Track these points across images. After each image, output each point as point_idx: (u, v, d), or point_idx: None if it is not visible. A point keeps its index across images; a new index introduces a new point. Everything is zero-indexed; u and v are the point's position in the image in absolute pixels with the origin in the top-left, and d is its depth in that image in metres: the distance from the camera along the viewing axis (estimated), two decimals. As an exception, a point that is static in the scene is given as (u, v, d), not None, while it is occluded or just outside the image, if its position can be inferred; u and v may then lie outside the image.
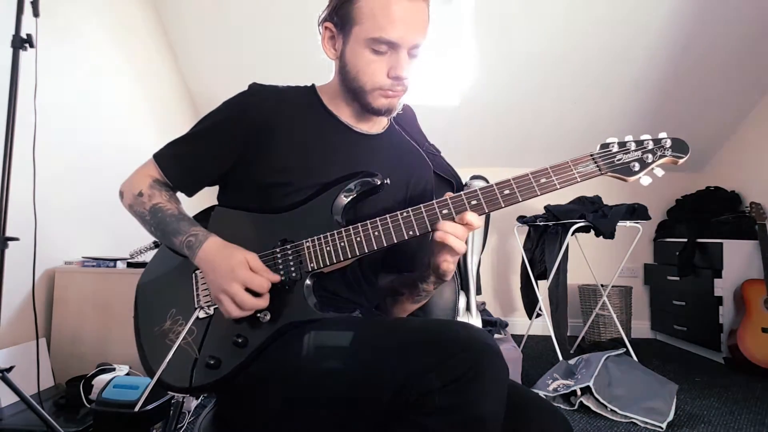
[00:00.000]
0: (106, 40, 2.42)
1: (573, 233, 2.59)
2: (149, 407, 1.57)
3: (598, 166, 0.78)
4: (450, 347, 0.63)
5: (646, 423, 1.87)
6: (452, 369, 0.61)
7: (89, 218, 2.21)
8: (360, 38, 0.85)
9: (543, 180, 0.78)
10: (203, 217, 0.91)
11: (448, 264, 0.83)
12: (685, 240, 3.04)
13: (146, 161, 0.95)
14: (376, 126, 0.99)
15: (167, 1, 2.78)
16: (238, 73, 3.05)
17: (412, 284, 0.93)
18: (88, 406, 1.72)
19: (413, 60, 0.88)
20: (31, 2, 1.52)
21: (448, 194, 0.79)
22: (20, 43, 1.51)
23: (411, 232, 0.79)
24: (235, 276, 0.76)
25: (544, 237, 2.84)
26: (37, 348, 1.71)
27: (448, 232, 0.77)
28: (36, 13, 1.53)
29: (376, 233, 0.80)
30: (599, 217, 2.58)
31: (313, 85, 0.99)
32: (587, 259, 3.16)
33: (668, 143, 0.79)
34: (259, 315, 0.79)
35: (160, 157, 0.93)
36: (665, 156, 0.79)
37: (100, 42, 2.38)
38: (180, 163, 0.93)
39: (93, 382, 1.76)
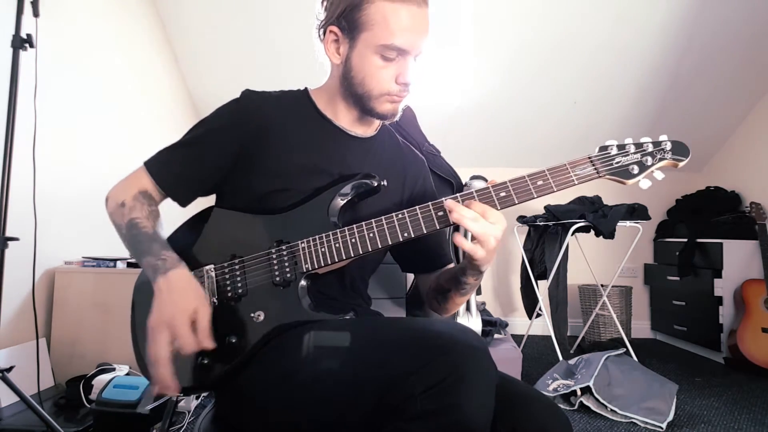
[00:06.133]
0: (106, 40, 2.42)
1: (573, 233, 2.59)
2: (149, 407, 1.57)
3: (596, 169, 0.77)
4: (431, 350, 0.62)
5: (646, 423, 1.87)
6: (434, 372, 0.60)
7: (89, 218, 2.21)
8: (369, 44, 0.84)
9: (540, 182, 0.77)
10: (200, 218, 0.91)
11: (480, 253, 0.78)
12: (685, 240, 3.04)
13: (136, 169, 0.92)
14: (370, 129, 0.99)
15: (168, 2, 2.79)
16: (239, 74, 3.06)
17: (454, 279, 0.92)
18: (88, 406, 1.72)
19: (414, 65, 0.88)
20: (31, 2, 1.52)
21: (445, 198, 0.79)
22: (20, 43, 1.52)
23: (406, 234, 0.79)
24: (172, 324, 0.72)
25: (544, 237, 2.84)
26: (37, 348, 1.71)
27: (464, 215, 0.74)
28: (36, 13, 1.53)
29: (371, 234, 0.80)
30: (599, 217, 2.58)
31: (306, 89, 0.98)
32: (587, 259, 3.16)
33: (668, 146, 0.78)
34: (252, 315, 0.80)
35: (151, 165, 0.90)
36: (665, 159, 0.77)
37: (101, 41, 2.38)
38: (173, 171, 0.90)
39: (93, 382, 1.76)
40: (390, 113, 0.90)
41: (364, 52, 0.85)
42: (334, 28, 0.88)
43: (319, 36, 0.92)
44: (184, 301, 0.74)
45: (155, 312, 0.74)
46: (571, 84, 3.05)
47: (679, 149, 0.78)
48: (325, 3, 0.90)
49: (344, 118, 0.95)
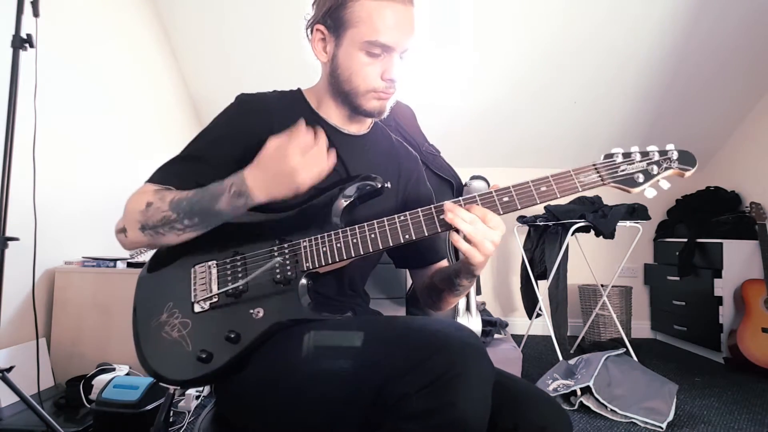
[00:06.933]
0: (106, 40, 2.42)
1: (573, 233, 2.59)
2: (149, 407, 1.57)
3: (600, 176, 0.76)
4: (426, 349, 0.62)
5: (646, 423, 1.87)
6: (428, 371, 0.60)
7: (89, 218, 2.21)
8: (355, 41, 0.85)
9: (543, 188, 0.77)
10: None
11: (477, 257, 0.78)
12: (685, 240, 3.04)
13: (137, 189, 0.88)
14: (363, 127, 1.00)
15: (168, 3, 2.79)
16: (239, 74, 3.06)
17: (447, 280, 0.92)
18: (88, 406, 1.73)
19: (401, 63, 0.89)
20: (31, 2, 1.52)
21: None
22: (20, 43, 1.51)
23: (407, 236, 0.80)
24: (286, 146, 0.77)
25: (544, 237, 2.84)
26: (37, 348, 1.71)
27: (459, 216, 0.75)
28: (36, 13, 1.53)
29: (372, 235, 0.80)
30: (599, 217, 2.58)
31: (299, 90, 0.99)
32: (587, 259, 3.16)
33: (675, 155, 0.77)
34: (252, 311, 0.80)
35: (158, 178, 0.88)
36: (671, 168, 0.77)
37: (100, 41, 2.38)
38: (184, 181, 0.87)
39: (93, 382, 1.76)
40: (377, 110, 0.91)
41: (350, 49, 0.86)
42: (321, 27, 0.89)
43: (307, 35, 0.93)
44: (271, 150, 0.78)
45: (272, 178, 0.78)
46: (571, 84, 3.05)
47: (686, 159, 0.77)
48: (313, 3, 0.91)
49: (336, 117, 0.96)
